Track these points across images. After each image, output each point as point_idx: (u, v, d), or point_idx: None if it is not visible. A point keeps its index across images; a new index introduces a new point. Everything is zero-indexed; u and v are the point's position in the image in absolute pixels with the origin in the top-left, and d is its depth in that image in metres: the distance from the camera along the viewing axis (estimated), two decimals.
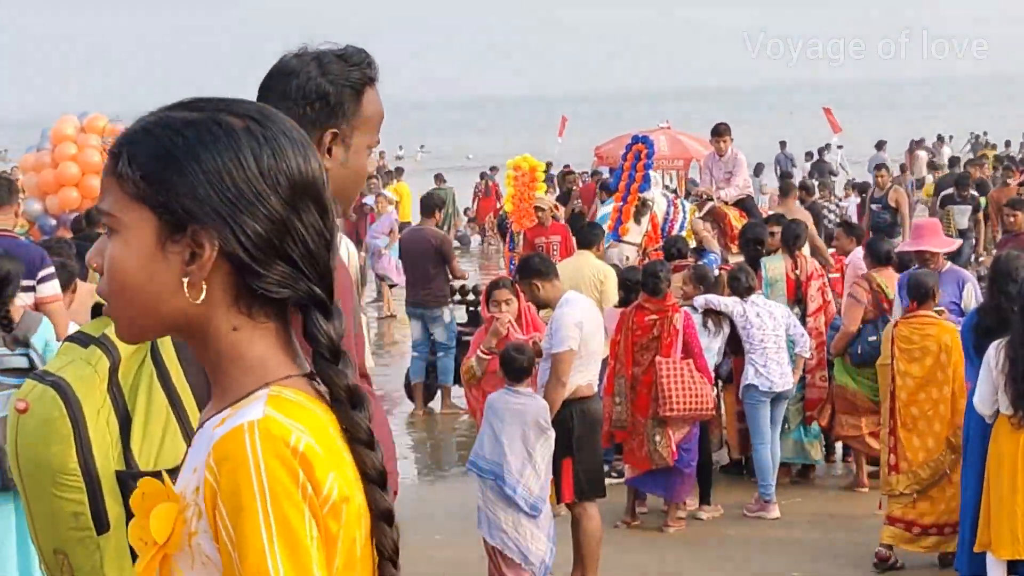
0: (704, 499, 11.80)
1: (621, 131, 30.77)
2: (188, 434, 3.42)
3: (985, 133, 59.25)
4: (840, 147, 44.71)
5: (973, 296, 10.87)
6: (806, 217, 15.62)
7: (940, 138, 52.20)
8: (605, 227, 15.10)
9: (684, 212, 16.11)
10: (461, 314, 17.05)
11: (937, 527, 10.05)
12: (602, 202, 18.03)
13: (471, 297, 16.75)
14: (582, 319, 9.42)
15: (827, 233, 22.79)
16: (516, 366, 8.99)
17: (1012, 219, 15.08)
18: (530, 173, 16.17)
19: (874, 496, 11.92)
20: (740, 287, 11.74)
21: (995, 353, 8.59)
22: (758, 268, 12.62)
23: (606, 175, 26.70)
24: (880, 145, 42.33)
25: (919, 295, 10.15)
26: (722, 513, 11.73)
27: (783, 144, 45.85)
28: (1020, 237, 15.23)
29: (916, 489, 10.01)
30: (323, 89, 3.65)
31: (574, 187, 26.97)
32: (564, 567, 9.60)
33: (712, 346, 11.81)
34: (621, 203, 15.79)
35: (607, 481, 10.94)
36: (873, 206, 22.60)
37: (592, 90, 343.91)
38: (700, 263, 12.48)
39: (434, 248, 16.02)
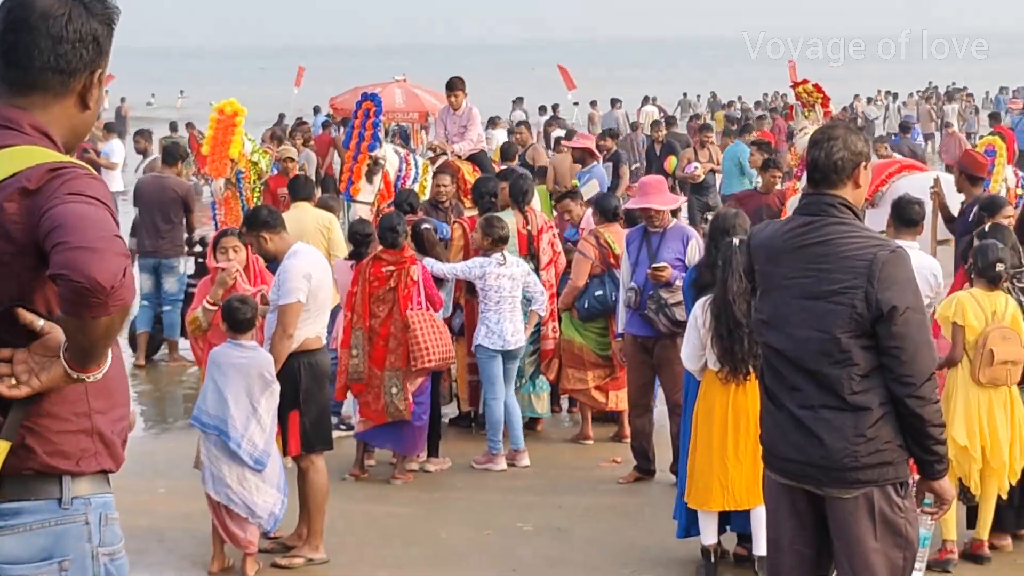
0: (432, 451, 11.85)
1: (358, 83, 30.64)
2: None
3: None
4: (576, 104, 45.31)
5: (696, 252, 11.13)
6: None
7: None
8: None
9: (416, 168, 16.12)
10: (189, 265, 16.81)
11: None
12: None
13: (198, 248, 16.51)
14: (310, 270, 9.34)
15: None
16: (239, 318, 8.92)
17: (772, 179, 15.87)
18: (230, 118, 15.81)
19: (599, 448, 12.18)
20: (499, 234, 11.74)
21: (701, 311, 8.79)
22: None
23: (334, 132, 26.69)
24: (614, 103, 42.92)
25: None
26: (450, 465, 11.80)
27: (518, 101, 46.25)
28: (760, 195, 15.71)
29: None
30: (94, 30, 3.72)
31: (311, 138, 26.72)
32: (294, 518, 9.59)
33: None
34: (352, 163, 15.72)
35: (336, 434, 10.96)
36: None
37: (332, 43, 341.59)
38: (426, 227, 12.37)
39: (179, 198, 15.77)
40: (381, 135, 16.05)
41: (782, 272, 5.83)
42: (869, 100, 55.14)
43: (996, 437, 9.04)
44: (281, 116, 43.74)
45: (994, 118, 33.08)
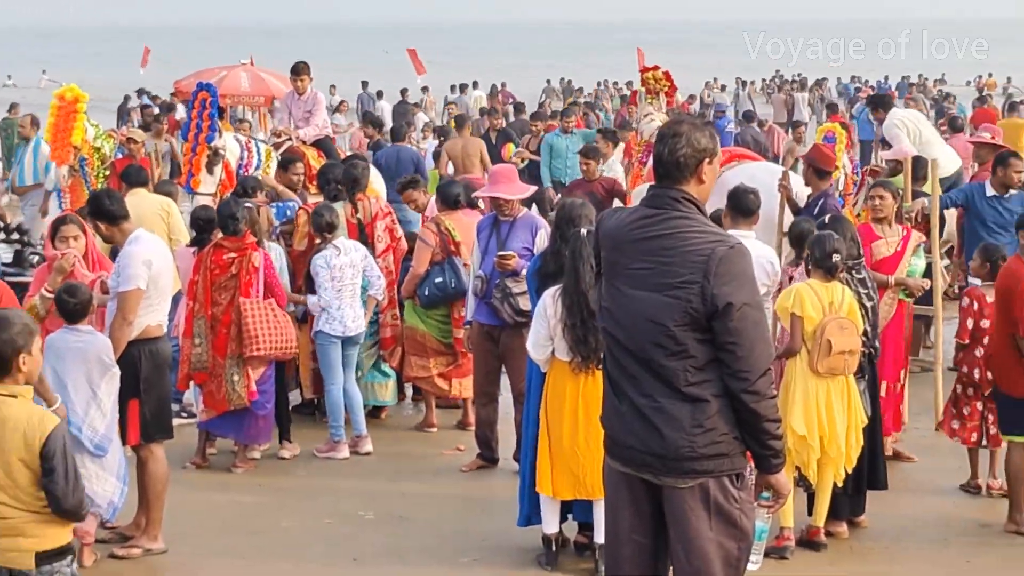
0: (284, 436, 11.82)
1: (204, 65, 30.32)
2: None
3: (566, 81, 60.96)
4: (425, 88, 45.14)
5: (545, 242, 11.15)
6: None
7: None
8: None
9: (259, 154, 15.98)
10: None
11: None
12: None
13: (15, 236, 15.99)
14: (150, 257, 9.21)
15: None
16: (68, 309, 8.83)
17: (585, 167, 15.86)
18: (71, 104, 15.54)
19: (443, 435, 12.19)
20: (322, 223, 11.68)
21: (551, 300, 8.82)
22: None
23: (182, 112, 26.24)
24: (463, 88, 42.88)
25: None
26: (299, 452, 11.75)
27: (364, 84, 46.08)
28: (586, 183, 15.80)
29: None
30: None
31: (153, 121, 26.25)
32: (133, 508, 9.49)
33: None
34: (191, 155, 15.54)
35: (177, 422, 10.85)
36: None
37: (181, 21, 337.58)
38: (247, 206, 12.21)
39: None
40: (219, 125, 15.84)
41: (624, 262, 5.86)
42: (723, 87, 55.46)
43: (833, 426, 9.17)
44: (127, 98, 43.20)
45: (831, 108, 33.41)
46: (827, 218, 10.28)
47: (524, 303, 10.53)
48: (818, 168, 12.84)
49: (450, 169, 20.59)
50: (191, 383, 11.47)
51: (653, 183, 6.04)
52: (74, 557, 6.09)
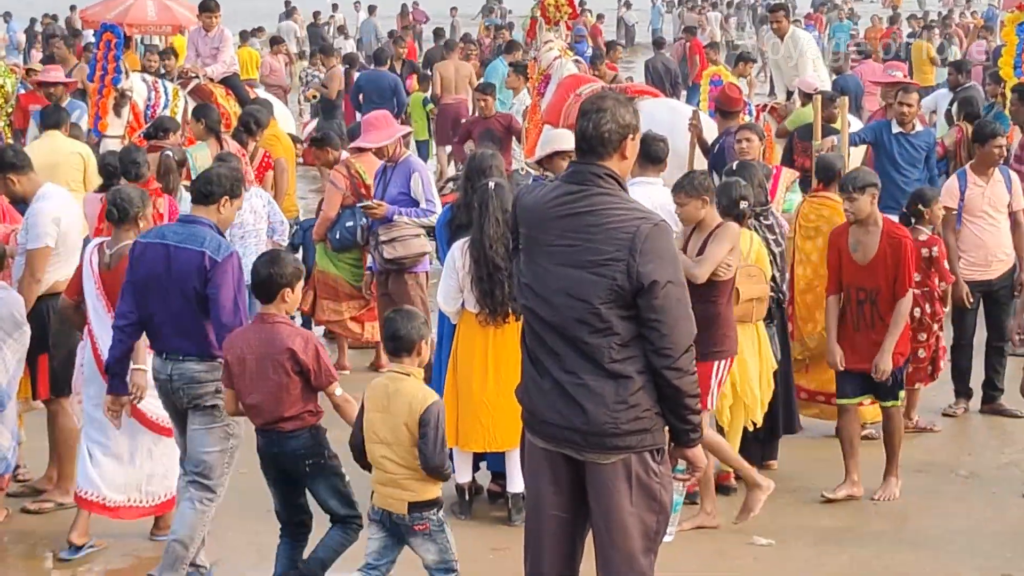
0: None
1: None
2: None
3: None
4: (335, 5, 44.50)
5: (420, 187, 11.08)
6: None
7: None
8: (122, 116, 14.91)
9: (166, 94, 15.83)
10: None
11: (823, 395, 10.53)
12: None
13: None
14: (59, 214, 9.14)
15: (321, 105, 22.88)
16: None
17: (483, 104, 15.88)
18: None
19: (356, 378, 12.15)
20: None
21: (460, 254, 8.85)
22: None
23: (90, 38, 25.83)
24: (371, 10, 42.44)
25: (825, 176, 10.67)
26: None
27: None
28: (482, 120, 15.77)
29: (806, 356, 10.46)
30: None
31: (56, 50, 25.80)
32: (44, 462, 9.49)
33: None
34: (98, 97, 15.35)
35: None
36: None
37: None
38: (166, 153, 12.12)
39: None
40: (125, 66, 15.65)
41: (546, 239, 5.86)
42: (629, 5, 55.04)
43: (745, 372, 9.25)
44: (32, 21, 42.52)
45: (713, 48, 29.76)
46: (734, 164, 10.33)
47: (389, 251, 10.85)
48: (724, 110, 12.92)
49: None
50: None
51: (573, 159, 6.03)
52: (439, 508, 7.21)
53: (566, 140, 10.61)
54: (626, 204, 5.83)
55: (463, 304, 8.92)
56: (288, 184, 13.38)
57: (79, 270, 8.75)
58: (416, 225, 11.10)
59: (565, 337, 5.79)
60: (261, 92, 17.66)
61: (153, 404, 8.32)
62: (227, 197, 7.84)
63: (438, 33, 32.14)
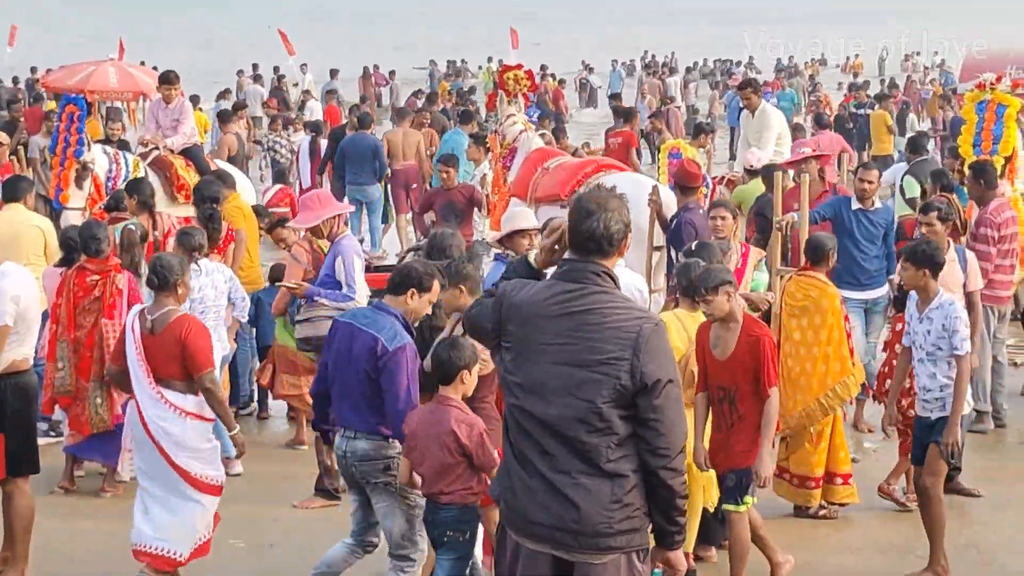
0: None
1: (72, 41, 29.83)
2: None
3: None
4: (304, 65, 44.67)
5: (342, 270, 10.95)
6: None
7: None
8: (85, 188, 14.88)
9: (127, 166, 15.79)
10: None
11: (797, 477, 10.52)
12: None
13: None
14: (18, 292, 9.06)
15: (279, 171, 22.87)
16: None
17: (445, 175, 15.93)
18: None
19: (314, 453, 12.12)
20: (192, 243, 11.51)
21: None
22: (218, 226, 12.61)
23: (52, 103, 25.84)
24: (333, 73, 42.49)
25: (814, 255, 10.66)
26: None
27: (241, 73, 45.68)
28: (444, 192, 15.85)
29: (787, 433, 10.41)
30: None
31: (21, 117, 25.69)
32: None
33: None
34: (59, 168, 15.34)
35: (44, 441, 10.74)
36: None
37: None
38: (129, 227, 12.06)
39: None
40: (87, 138, 15.64)
41: (542, 337, 5.79)
42: (591, 69, 55.32)
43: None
44: None
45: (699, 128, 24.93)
46: (693, 245, 10.37)
47: (300, 330, 11.09)
48: (683, 185, 12.95)
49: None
50: (56, 407, 11.32)
51: (568, 256, 5.96)
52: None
53: (527, 219, 10.65)
54: (624, 303, 5.84)
55: None
56: (244, 257, 13.32)
57: (121, 336, 9.07)
58: (332, 308, 10.95)
59: (561, 436, 5.73)
60: (221, 163, 17.61)
61: (196, 464, 8.87)
62: (414, 289, 8.24)
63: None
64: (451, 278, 8.56)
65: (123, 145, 17.07)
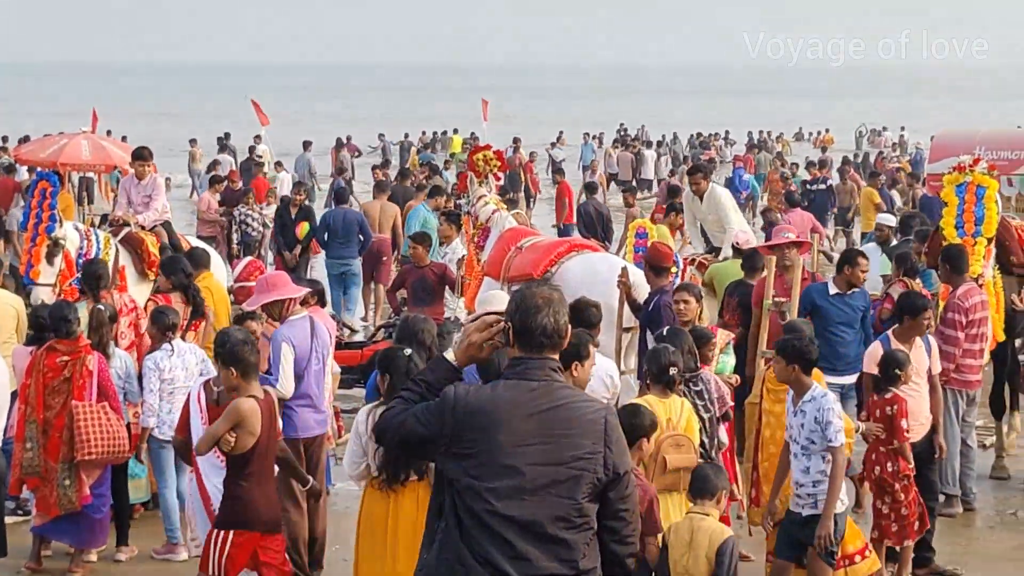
0: (122, 540, 11.61)
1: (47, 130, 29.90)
2: None
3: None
4: (258, 136, 44.65)
5: (271, 357, 10.76)
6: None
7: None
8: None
9: (98, 242, 15.77)
10: None
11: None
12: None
13: None
14: None
15: (248, 243, 22.89)
16: None
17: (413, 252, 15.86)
18: None
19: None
20: (166, 322, 11.53)
21: (365, 418, 8.67)
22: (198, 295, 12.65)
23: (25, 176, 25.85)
24: (306, 145, 42.46)
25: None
26: (136, 553, 11.58)
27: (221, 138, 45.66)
28: (416, 269, 15.84)
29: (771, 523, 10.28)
30: None
31: None
32: None
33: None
34: (31, 244, 15.34)
35: (12, 520, 10.67)
36: None
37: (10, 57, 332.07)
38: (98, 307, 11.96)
39: None
40: (59, 215, 15.63)
41: (514, 439, 5.69)
42: (553, 144, 55.08)
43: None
44: None
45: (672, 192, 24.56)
46: (664, 330, 10.39)
47: None
48: (655, 266, 12.93)
49: None
50: (23, 487, 11.25)
51: (518, 354, 5.86)
52: None
53: (502, 302, 10.64)
54: (582, 395, 5.90)
55: (367, 468, 8.70)
56: (210, 337, 13.28)
57: (186, 408, 9.27)
58: None
59: (539, 536, 5.64)
60: (195, 241, 17.61)
61: None
62: (576, 361, 7.80)
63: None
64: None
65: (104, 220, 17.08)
